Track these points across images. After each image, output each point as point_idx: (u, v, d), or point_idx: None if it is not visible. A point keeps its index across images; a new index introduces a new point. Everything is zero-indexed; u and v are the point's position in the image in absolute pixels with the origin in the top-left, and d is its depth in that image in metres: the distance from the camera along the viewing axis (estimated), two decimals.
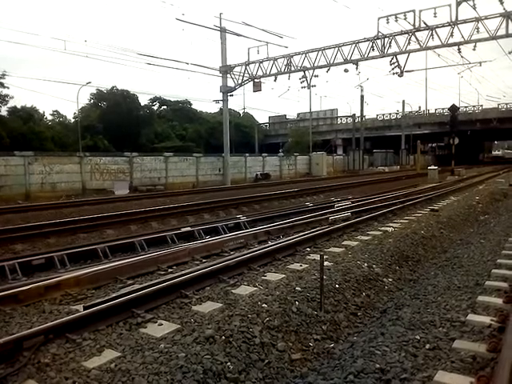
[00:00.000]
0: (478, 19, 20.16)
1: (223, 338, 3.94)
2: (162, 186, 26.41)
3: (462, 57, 23.10)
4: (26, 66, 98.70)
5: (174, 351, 3.70)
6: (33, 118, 39.24)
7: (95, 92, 44.88)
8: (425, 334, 4.19)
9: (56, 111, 48.73)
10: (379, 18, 22.11)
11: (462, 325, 4.32)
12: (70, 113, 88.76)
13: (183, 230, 10.00)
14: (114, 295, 4.95)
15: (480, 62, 29.13)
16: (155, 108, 56.28)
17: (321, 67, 24.87)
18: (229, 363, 3.64)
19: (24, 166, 20.63)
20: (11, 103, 36.95)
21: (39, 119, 42.57)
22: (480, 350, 3.67)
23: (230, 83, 29.05)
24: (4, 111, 36.92)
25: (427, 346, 3.91)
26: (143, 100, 47.52)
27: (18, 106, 38.94)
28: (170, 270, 6.49)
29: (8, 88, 34.70)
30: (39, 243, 9.53)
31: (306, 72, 25.58)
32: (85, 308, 4.56)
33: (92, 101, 46.08)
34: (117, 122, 40.41)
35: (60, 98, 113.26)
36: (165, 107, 57.97)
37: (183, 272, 5.91)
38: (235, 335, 4.02)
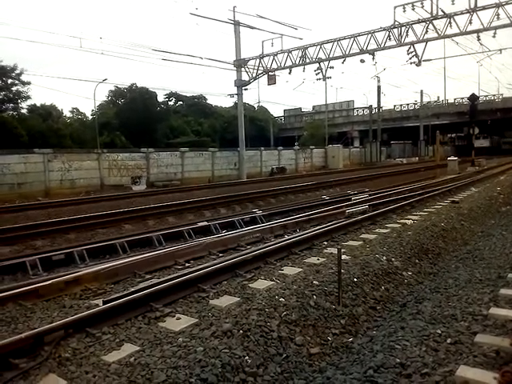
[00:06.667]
0: (498, 5, 19.57)
1: (241, 332, 3.94)
2: (178, 181, 26.56)
3: (481, 44, 22.52)
4: (44, 64, 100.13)
5: (193, 345, 3.71)
6: (51, 116, 39.86)
7: (113, 89, 45.36)
8: (446, 328, 4.11)
9: (75, 108, 49.32)
10: (395, 7, 21.65)
11: (484, 318, 4.23)
12: (88, 110, 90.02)
13: (200, 224, 10.03)
14: (132, 289, 4.99)
15: (500, 50, 28.10)
16: (171, 104, 56.50)
17: (336, 58, 24.52)
18: (247, 357, 3.64)
19: (43, 163, 20.95)
20: (31, 101, 37.69)
21: (58, 117, 43.17)
22: (503, 344, 3.57)
23: (245, 77, 28.93)
24: (24, 109, 37.71)
25: (448, 341, 3.83)
26: (159, 96, 47.70)
27: (38, 104, 39.70)
28: (187, 265, 6.53)
29: (29, 84, 35.24)
30: (59, 239, 9.68)
31: (322, 64, 25.28)
32: (104, 302, 4.61)
33: (110, 98, 46.54)
34: (134, 119, 40.76)
35: (79, 95, 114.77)
36: (180, 103, 58.14)
37: (200, 266, 5.93)
38: (253, 329, 4.01)
